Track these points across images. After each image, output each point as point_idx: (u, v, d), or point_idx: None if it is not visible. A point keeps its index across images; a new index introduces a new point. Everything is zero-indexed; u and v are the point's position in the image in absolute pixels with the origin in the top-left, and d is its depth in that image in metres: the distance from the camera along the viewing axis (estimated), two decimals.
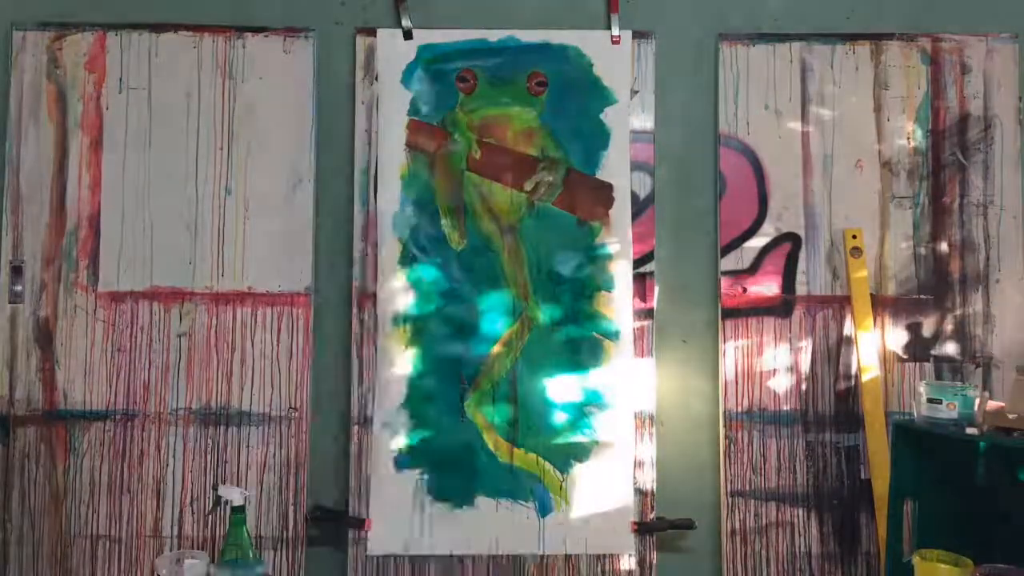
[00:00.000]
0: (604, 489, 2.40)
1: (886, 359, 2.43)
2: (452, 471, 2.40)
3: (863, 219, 2.47)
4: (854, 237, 2.43)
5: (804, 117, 2.49)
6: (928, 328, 2.44)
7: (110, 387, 2.40)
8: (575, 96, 2.48)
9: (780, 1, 2.54)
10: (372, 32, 2.50)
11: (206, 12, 2.51)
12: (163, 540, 2.37)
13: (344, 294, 2.47)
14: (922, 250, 2.46)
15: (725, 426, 2.42)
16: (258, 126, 2.47)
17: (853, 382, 2.43)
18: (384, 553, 2.37)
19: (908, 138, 2.49)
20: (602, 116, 2.48)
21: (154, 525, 2.38)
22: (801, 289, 2.46)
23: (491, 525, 2.39)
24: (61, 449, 2.39)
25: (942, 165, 2.48)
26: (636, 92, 2.49)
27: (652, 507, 2.41)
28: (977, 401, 2.00)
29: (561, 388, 2.42)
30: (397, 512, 2.39)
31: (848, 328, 2.43)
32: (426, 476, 2.40)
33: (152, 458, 2.39)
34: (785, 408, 2.43)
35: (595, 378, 2.42)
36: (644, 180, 2.48)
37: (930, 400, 2.03)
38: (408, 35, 2.50)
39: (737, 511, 2.40)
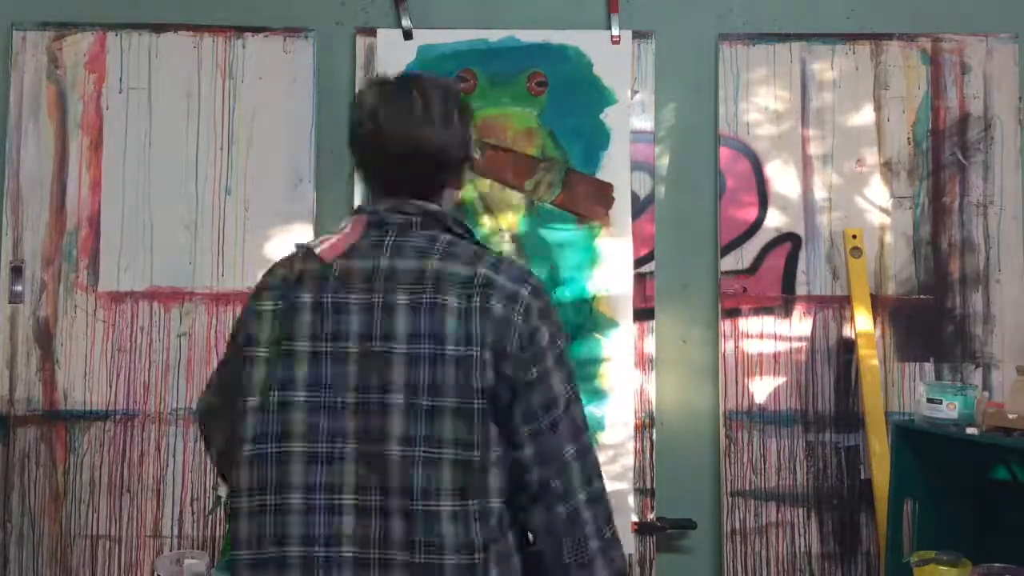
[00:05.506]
0: None
1: (886, 359, 2.43)
2: None
3: (863, 219, 2.47)
4: (854, 237, 2.43)
5: (804, 117, 2.49)
6: (928, 328, 2.44)
7: (110, 387, 2.40)
8: (575, 96, 2.48)
9: (780, 1, 2.54)
10: (372, 32, 2.50)
11: (206, 12, 2.50)
12: (163, 540, 2.37)
13: None
14: (922, 250, 2.46)
15: (725, 426, 2.42)
16: (258, 126, 2.47)
17: (853, 382, 2.43)
18: None
19: (908, 138, 2.48)
20: (602, 116, 2.48)
21: (154, 525, 2.37)
22: (801, 289, 2.46)
23: None
24: (61, 449, 2.39)
25: (942, 165, 2.48)
26: (636, 92, 2.49)
27: (652, 507, 2.41)
28: (977, 401, 2.00)
29: None
30: None
31: (848, 328, 2.43)
32: None
33: (152, 458, 2.39)
34: (785, 408, 2.43)
35: (595, 378, 2.42)
36: (644, 180, 2.48)
37: (930, 400, 2.03)
38: (408, 35, 2.49)
39: (737, 511, 2.40)
